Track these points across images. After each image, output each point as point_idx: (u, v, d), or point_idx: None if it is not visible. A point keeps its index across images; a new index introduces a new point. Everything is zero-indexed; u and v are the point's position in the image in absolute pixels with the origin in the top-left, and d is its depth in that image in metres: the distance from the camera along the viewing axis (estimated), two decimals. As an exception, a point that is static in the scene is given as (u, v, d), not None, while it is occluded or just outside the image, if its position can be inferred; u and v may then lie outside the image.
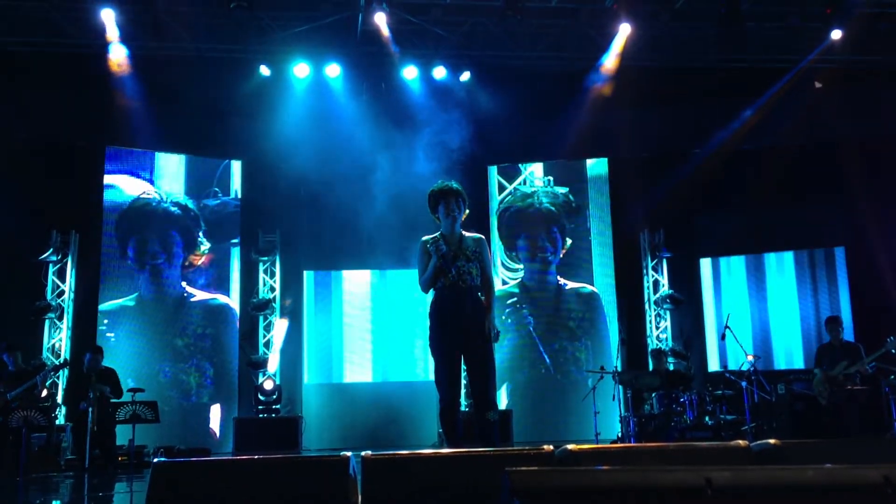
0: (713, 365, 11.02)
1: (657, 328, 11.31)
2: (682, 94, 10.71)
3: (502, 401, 10.91)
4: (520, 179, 11.84)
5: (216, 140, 11.05)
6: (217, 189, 11.26)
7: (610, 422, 9.69)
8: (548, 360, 11.09)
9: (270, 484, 2.93)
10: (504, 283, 11.53)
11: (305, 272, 11.39)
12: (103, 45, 9.48)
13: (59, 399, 9.90)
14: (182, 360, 10.69)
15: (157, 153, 11.03)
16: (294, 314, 11.21)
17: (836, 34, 9.84)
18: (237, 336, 11.03)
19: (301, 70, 10.35)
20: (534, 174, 11.83)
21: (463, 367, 4.90)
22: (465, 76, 10.64)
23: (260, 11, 9.48)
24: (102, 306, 10.44)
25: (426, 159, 9.87)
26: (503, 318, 11.24)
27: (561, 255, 11.52)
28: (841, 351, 8.45)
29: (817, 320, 10.65)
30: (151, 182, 10.98)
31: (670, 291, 11.28)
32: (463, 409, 7.93)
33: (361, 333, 11.29)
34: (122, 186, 10.82)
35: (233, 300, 11.14)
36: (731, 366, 9.28)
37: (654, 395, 8.81)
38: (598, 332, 11.30)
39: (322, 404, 11.01)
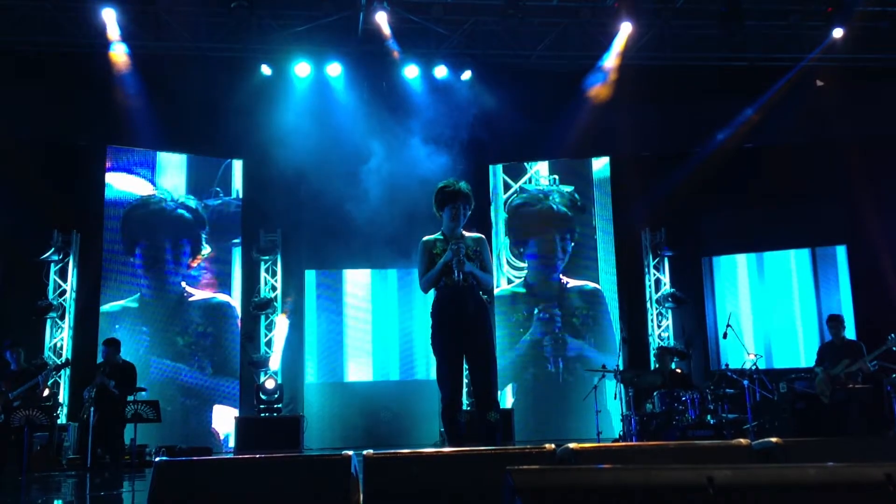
0: (715, 363, 11.01)
1: (659, 327, 11.30)
2: (683, 93, 10.73)
3: (508, 400, 10.91)
4: (525, 178, 11.82)
5: (217, 139, 11.05)
6: (219, 189, 11.27)
7: (612, 420, 9.69)
8: (560, 363, 11.08)
9: (272, 483, 2.93)
10: (509, 281, 11.52)
11: (307, 271, 11.40)
12: (104, 45, 9.50)
13: (61, 398, 9.90)
14: (183, 358, 10.70)
15: (158, 152, 11.03)
16: (295, 313, 11.22)
17: (838, 33, 9.85)
18: (238, 334, 11.04)
19: (302, 69, 10.35)
20: (539, 173, 11.82)
21: (465, 366, 4.90)
22: (467, 75, 10.64)
23: (261, 10, 9.50)
24: (105, 308, 10.43)
25: (427, 158, 9.87)
26: (515, 317, 11.22)
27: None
28: (843, 349, 8.45)
29: (819, 318, 10.65)
30: (153, 182, 10.99)
31: (672, 290, 11.27)
32: (465, 408, 7.97)
33: (363, 332, 11.29)
34: (124, 186, 10.82)
35: (234, 299, 11.15)
36: (733, 364, 9.27)
37: (655, 393, 8.80)
38: (602, 330, 11.29)
39: (323, 403, 11.02)
